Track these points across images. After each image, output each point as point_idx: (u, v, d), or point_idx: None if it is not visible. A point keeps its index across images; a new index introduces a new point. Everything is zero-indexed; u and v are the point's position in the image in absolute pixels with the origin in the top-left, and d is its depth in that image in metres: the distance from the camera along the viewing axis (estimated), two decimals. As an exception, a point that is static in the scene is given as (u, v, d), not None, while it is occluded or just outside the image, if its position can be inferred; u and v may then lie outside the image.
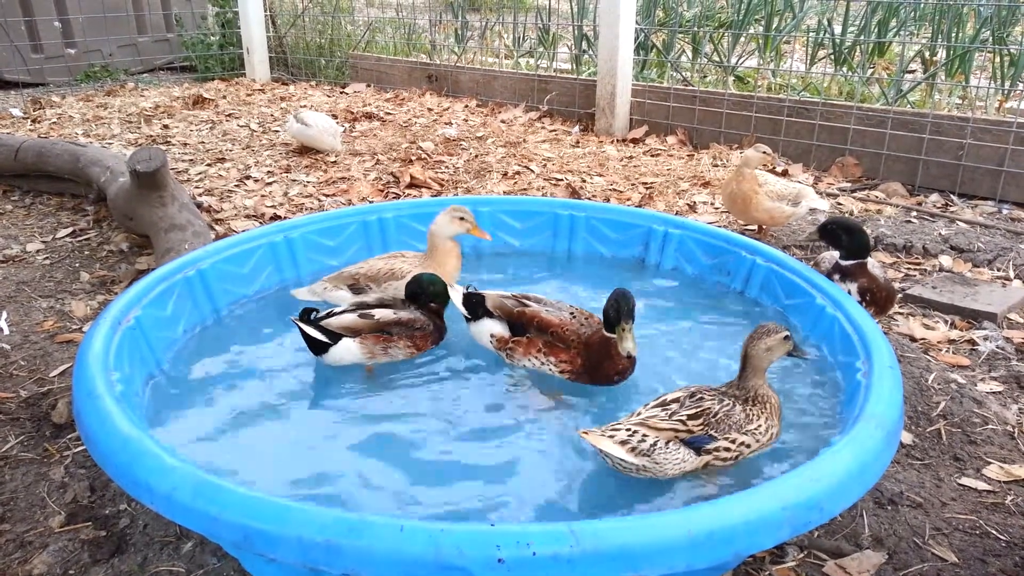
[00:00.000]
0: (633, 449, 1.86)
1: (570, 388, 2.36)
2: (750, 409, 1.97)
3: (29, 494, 2.11)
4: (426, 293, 2.52)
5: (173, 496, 1.51)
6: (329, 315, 2.43)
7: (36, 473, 2.19)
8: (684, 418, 1.93)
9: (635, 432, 1.90)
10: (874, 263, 2.71)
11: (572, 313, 2.41)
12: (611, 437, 1.88)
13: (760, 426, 1.96)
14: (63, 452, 2.27)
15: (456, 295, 2.56)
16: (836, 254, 2.72)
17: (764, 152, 3.60)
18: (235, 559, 1.84)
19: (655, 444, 1.88)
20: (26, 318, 3.09)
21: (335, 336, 2.36)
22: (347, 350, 2.37)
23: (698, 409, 1.94)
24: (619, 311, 2.16)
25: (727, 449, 1.91)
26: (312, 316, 2.39)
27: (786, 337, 2.01)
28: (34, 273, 3.53)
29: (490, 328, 2.46)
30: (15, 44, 7.62)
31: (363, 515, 1.41)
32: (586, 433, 1.89)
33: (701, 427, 1.92)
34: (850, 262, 2.63)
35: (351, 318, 2.40)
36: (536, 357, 2.36)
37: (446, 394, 2.36)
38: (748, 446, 1.93)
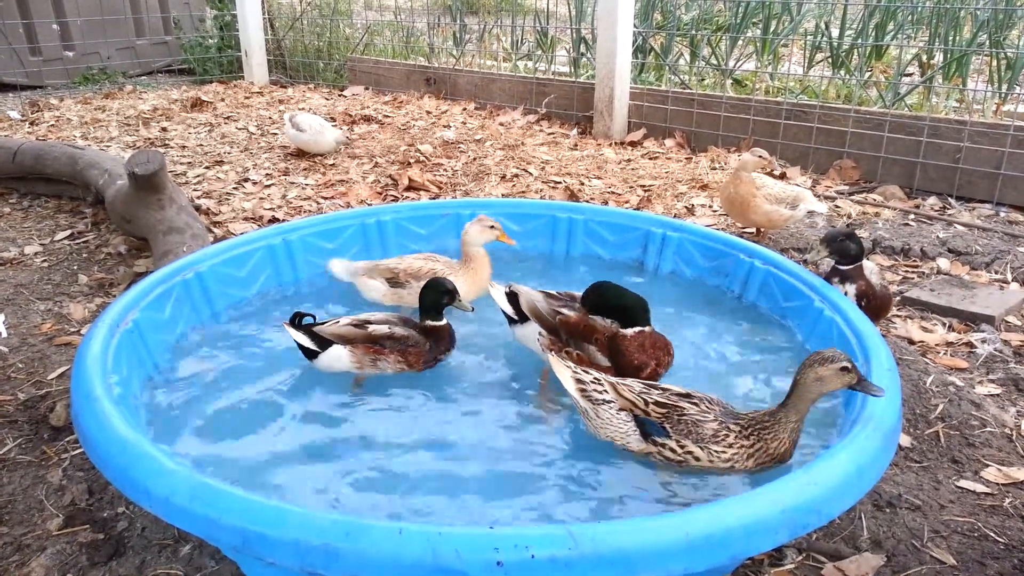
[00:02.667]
0: (583, 391, 1.94)
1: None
2: (730, 433, 1.89)
3: (27, 497, 2.10)
4: (447, 293, 2.46)
5: (171, 499, 1.51)
6: (323, 323, 2.42)
7: (34, 476, 2.18)
8: (650, 401, 1.93)
9: (599, 382, 1.95)
10: (873, 267, 2.70)
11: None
12: (575, 374, 1.96)
13: (724, 452, 1.89)
14: (61, 455, 2.27)
15: (498, 294, 2.52)
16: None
17: (760, 156, 3.60)
18: (233, 562, 1.84)
19: (607, 402, 1.92)
20: (24, 321, 3.09)
21: (325, 343, 2.35)
22: (336, 358, 2.36)
23: (671, 403, 1.93)
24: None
25: (672, 451, 1.91)
26: (302, 321, 2.39)
27: (844, 368, 1.82)
28: (32, 276, 3.52)
29: (539, 329, 2.41)
30: (13, 47, 7.62)
31: (361, 518, 1.40)
32: (552, 350, 1.98)
33: (660, 417, 1.92)
34: (848, 267, 2.62)
35: (345, 327, 2.39)
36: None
37: (447, 399, 2.35)
38: (697, 459, 1.90)
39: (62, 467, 2.21)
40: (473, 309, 2.55)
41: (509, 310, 2.49)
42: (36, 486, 2.14)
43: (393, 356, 2.38)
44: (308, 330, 2.37)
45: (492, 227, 2.85)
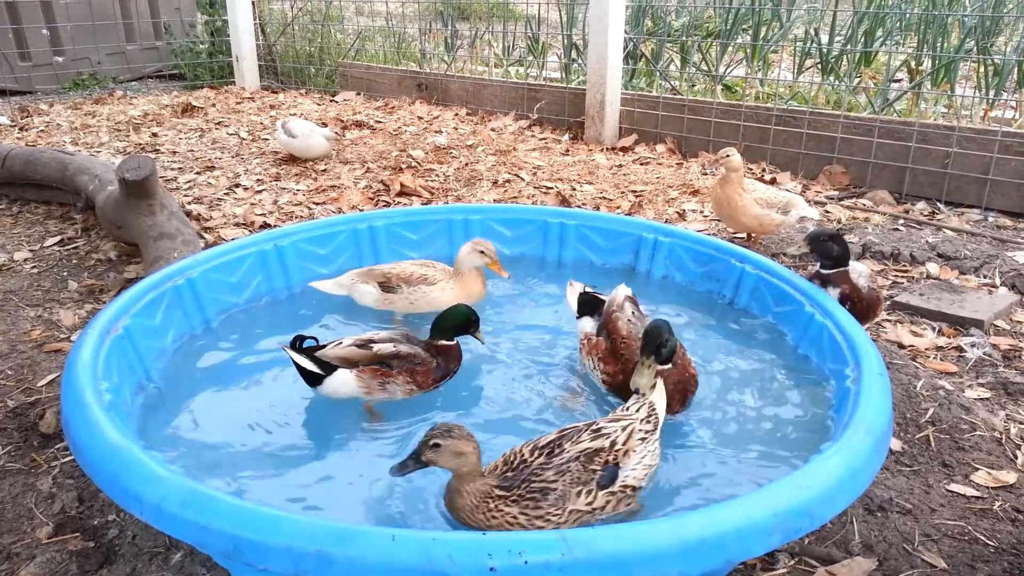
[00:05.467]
0: None
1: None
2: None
3: (16, 505, 2.09)
4: (470, 323, 2.40)
5: (162, 506, 1.50)
6: (324, 346, 2.30)
7: (23, 484, 2.17)
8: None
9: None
10: (864, 270, 2.70)
11: None
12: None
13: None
14: (51, 462, 2.26)
15: (572, 292, 2.66)
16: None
17: (727, 155, 3.57)
18: (225, 570, 1.83)
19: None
20: (13, 327, 3.07)
21: (330, 367, 2.23)
22: (343, 382, 2.23)
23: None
24: (644, 344, 2.07)
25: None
26: (303, 344, 2.26)
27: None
28: (22, 282, 3.50)
29: (583, 326, 2.51)
30: (2, 52, 7.59)
31: (354, 524, 1.40)
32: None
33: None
34: (831, 271, 2.63)
35: (348, 349, 2.27)
36: (591, 358, 2.38)
37: (441, 406, 2.35)
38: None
39: (52, 475, 2.20)
40: (484, 343, 2.53)
41: (573, 306, 2.62)
42: (25, 494, 2.13)
43: (402, 377, 2.27)
44: (310, 355, 2.24)
45: (482, 252, 2.82)
